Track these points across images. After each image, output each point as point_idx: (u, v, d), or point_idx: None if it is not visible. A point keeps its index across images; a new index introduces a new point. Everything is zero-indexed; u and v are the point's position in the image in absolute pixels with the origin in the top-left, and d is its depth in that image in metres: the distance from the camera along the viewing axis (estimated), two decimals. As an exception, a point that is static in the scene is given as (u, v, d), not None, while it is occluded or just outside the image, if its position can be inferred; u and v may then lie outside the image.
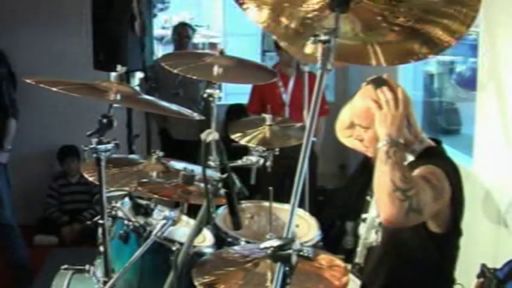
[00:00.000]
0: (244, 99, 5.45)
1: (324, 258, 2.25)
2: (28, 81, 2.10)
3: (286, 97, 5.09)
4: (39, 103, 5.36)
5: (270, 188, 2.69)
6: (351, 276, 2.50)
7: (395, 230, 2.39)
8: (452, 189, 2.31)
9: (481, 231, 3.24)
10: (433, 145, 2.49)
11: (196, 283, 2.00)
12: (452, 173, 2.37)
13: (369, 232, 2.59)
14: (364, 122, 2.38)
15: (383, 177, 2.14)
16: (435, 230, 2.34)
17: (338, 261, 2.35)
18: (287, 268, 1.35)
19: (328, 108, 5.23)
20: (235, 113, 5.79)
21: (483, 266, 2.52)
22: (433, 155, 2.44)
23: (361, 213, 2.76)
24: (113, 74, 2.30)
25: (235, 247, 2.44)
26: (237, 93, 6.31)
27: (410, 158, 2.44)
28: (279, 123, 3.13)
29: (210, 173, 2.12)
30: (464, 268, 2.55)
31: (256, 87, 5.18)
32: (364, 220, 2.63)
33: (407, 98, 2.32)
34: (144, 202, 2.62)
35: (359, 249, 2.65)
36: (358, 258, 2.65)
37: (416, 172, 2.28)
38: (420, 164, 2.33)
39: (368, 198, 2.63)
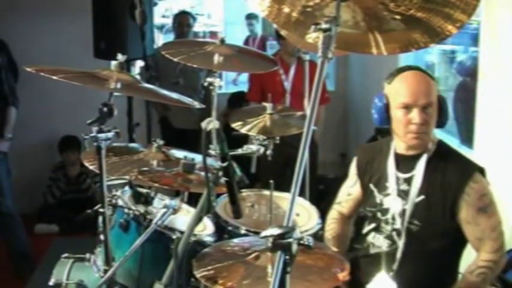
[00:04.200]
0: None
1: (326, 251, 2.25)
2: (28, 69, 2.09)
3: (287, 85, 5.07)
4: (40, 92, 5.35)
5: (271, 181, 2.69)
6: None
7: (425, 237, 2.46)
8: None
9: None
10: (437, 138, 2.55)
11: (197, 276, 2.00)
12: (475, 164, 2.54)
13: (383, 241, 2.57)
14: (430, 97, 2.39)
15: None
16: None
17: (339, 254, 2.36)
18: (287, 257, 1.35)
19: (329, 97, 5.23)
20: (237, 100, 5.78)
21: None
22: (448, 148, 2.56)
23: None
24: (113, 63, 2.28)
25: (235, 240, 2.44)
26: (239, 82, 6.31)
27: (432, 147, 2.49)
28: (280, 112, 3.12)
29: (210, 161, 2.12)
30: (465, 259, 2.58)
31: (255, 75, 5.16)
32: (377, 229, 2.60)
33: None
34: (144, 191, 2.62)
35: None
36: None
37: (473, 206, 2.42)
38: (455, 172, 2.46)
39: (371, 186, 2.62)
